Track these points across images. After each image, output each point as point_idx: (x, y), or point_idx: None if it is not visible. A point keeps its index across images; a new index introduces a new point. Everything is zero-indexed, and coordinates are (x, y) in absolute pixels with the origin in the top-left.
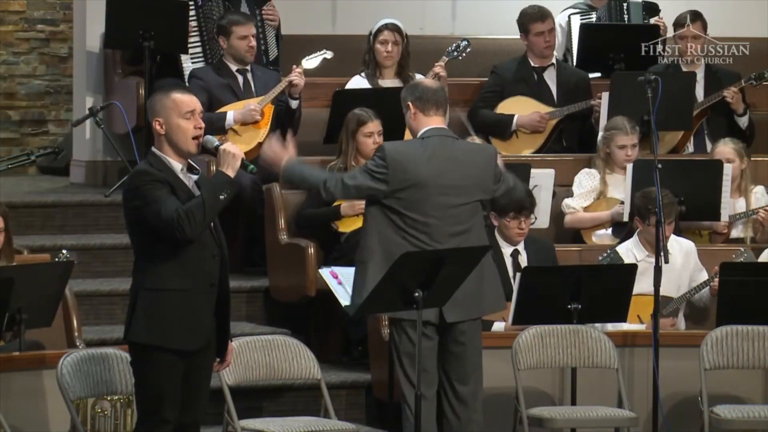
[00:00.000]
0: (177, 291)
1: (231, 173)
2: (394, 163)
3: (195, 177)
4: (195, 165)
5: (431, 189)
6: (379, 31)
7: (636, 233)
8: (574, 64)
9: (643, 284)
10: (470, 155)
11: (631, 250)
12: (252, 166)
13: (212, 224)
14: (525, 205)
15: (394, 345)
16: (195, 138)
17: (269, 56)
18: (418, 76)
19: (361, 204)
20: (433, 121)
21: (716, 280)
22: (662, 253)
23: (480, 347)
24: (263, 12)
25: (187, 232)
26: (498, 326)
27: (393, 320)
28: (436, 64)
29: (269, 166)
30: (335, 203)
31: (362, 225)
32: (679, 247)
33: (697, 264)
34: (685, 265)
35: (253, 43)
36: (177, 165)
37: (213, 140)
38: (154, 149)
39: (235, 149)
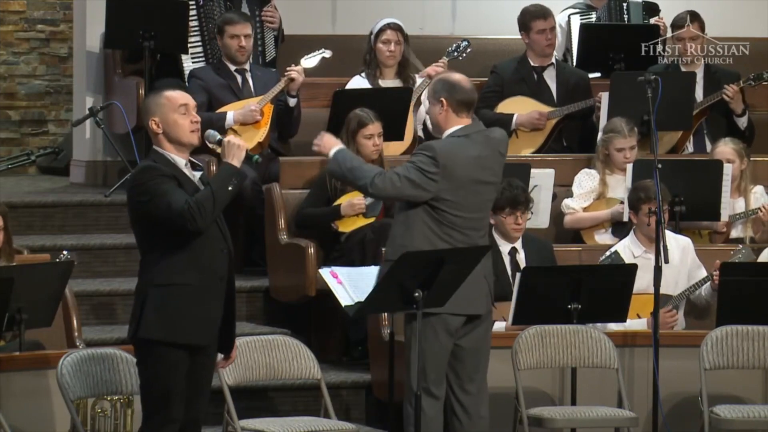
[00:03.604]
0: (187, 285)
1: (237, 164)
2: (446, 165)
3: (198, 174)
4: (197, 162)
5: (472, 187)
6: (382, 30)
7: (632, 230)
8: (574, 64)
9: (640, 281)
10: (500, 146)
11: (628, 247)
12: (257, 156)
13: (219, 220)
14: (519, 200)
15: (420, 341)
16: (193, 131)
17: (266, 57)
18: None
19: (361, 203)
20: (463, 122)
21: (716, 275)
22: (662, 254)
23: (490, 341)
24: (263, 13)
25: (198, 223)
26: (498, 326)
27: (425, 314)
28: (434, 64)
29: (318, 151)
30: (336, 202)
31: (396, 223)
32: (676, 243)
33: (695, 261)
34: (682, 261)
35: (244, 42)
36: (181, 160)
37: (215, 134)
38: (155, 147)
39: (239, 141)
